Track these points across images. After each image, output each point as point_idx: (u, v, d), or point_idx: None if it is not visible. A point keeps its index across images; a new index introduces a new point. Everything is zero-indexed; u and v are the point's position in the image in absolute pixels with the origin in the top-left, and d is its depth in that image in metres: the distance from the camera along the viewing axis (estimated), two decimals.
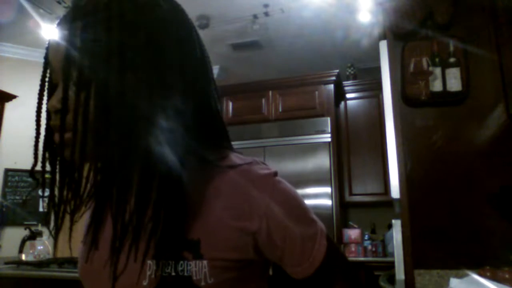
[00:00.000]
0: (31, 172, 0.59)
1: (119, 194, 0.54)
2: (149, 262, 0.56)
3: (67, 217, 0.57)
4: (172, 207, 0.55)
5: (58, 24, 0.58)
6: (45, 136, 0.60)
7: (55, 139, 0.57)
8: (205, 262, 0.56)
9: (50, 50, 0.58)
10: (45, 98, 0.60)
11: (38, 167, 0.60)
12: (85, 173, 0.56)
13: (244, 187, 0.59)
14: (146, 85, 0.54)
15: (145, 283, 0.57)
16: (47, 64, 0.60)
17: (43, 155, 0.60)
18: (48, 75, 0.60)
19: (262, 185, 0.60)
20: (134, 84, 0.54)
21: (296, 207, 0.64)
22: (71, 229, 0.57)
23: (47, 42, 0.60)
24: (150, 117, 0.54)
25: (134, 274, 0.56)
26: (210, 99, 0.64)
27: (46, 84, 0.60)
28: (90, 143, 0.54)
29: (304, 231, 0.62)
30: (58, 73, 0.57)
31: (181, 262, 0.56)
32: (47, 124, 0.60)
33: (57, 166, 0.59)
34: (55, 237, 0.58)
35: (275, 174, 0.63)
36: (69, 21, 0.56)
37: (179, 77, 0.57)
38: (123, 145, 0.53)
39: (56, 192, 0.58)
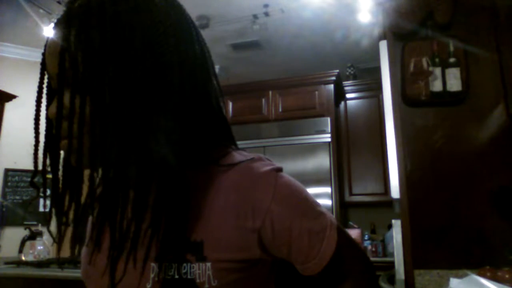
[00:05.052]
0: (32, 181, 0.58)
1: (116, 201, 0.53)
2: (152, 264, 0.56)
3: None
4: (173, 209, 0.54)
5: (53, 29, 0.57)
6: (45, 142, 0.58)
7: (61, 146, 0.56)
8: (208, 264, 0.55)
9: (47, 56, 0.57)
10: (44, 103, 0.59)
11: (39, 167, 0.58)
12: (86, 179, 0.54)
13: (246, 185, 0.58)
14: (144, 87, 0.53)
15: (148, 285, 0.56)
16: (44, 70, 0.58)
17: (43, 161, 0.58)
18: (46, 81, 0.59)
19: (264, 182, 0.59)
20: (131, 86, 0.52)
21: (301, 201, 0.62)
22: (75, 234, 0.56)
23: (43, 49, 0.59)
24: (149, 120, 0.53)
25: (137, 276, 0.56)
26: (211, 96, 0.63)
27: (44, 90, 0.59)
28: (87, 148, 0.53)
29: (311, 225, 0.60)
30: (55, 80, 0.55)
31: (184, 264, 0.55)
32: (47, 130, 0.58)
33: (58, 172, 0.58)
34: (59, 244, 0.57)
35: (278, 169, 0.62)
36: (62, 26, 0.55)
37: (178, 77, 0.56)
38: (122, 148, 0.52)
39: (58, 199, 0.57)
